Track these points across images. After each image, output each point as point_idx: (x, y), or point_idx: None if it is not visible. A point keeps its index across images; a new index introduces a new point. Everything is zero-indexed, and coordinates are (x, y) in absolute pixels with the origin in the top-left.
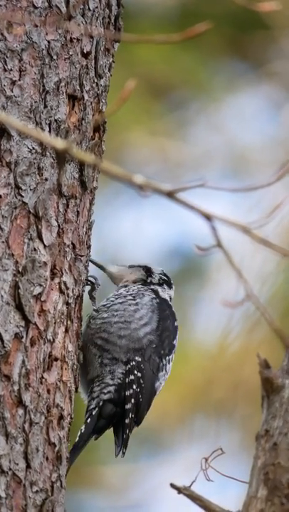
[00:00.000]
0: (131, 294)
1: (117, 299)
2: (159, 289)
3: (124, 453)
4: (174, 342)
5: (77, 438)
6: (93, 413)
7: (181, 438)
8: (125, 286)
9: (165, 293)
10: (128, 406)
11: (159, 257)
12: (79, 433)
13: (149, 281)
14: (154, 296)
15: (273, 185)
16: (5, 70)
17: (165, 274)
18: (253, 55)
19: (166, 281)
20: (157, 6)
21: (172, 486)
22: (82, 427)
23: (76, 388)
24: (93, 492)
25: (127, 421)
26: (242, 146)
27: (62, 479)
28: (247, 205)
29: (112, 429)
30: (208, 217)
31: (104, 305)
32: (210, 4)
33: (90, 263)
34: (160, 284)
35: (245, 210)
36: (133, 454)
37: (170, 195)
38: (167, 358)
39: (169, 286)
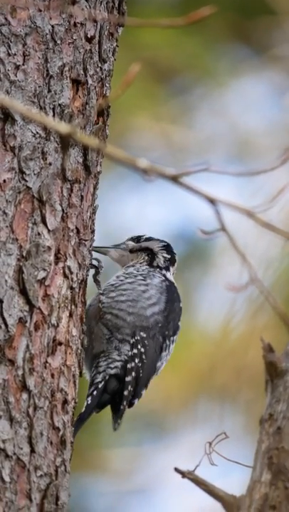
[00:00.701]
0: (142, 275)
1: (126, 278)
2: (167, 274)
3: (119, 424)
4: (179, 323)
5: (84, 409)
6: (99, 386)
7: (184, 422)
8: (133, 266)
9: (172, 275)
10: (128, 378)
11: None
12: (85, 404)
13: (155, 264)
14: (163, 278)
15: (277, 170)
16: (9, 54)
17: (168, 251)
18: (257, 39)
19: (170, 260)
20: None
21: (176, 470)
22: (89, 399)
23: (80, 372)
24: (97, 476)
25: (125, 393)
26: (246, 131)
27: (67, 464)
28: (251, 190)
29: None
30: (212, 202)
31: (112, 284)
32: None
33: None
34: (167, 268)
35: (249, 194)
36: (137, 439)
37: (174, 179)
38: (171, 338)
39: (173, 264)
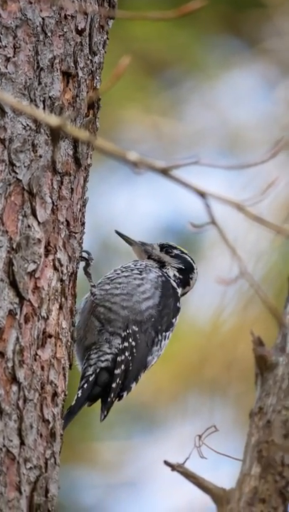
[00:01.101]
0: (138, 269)
1: (123, 272)
2: (171, 280)
3: (105, 416)
4: (174, 321)
5: (74, 402)
6: (90, 379)
7: (174, 415)
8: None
9: (174, 282)
10: (117, 371)
11: (153, 235)
12: (75, 397)
13: (166, 274)
14: (160, 274)
15: (267, 163)
16: None
17: (181, 271)
18: (248, 32)
19: (181, 280)
20: None
21: (166, 463)
22: (79, 392)
23: (70, 365)
24: (87, 469)
25: (113, 385)
26: (236, 124)
27: (56, 456)
28: (241, 183)
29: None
30: (202, 195)
31: (108, 277)
32: None
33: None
34: (177, 283)
35: (240, 187)
36: (127, 431)
37: (164, 172)
38: (164, 334)
39: (184, 286)
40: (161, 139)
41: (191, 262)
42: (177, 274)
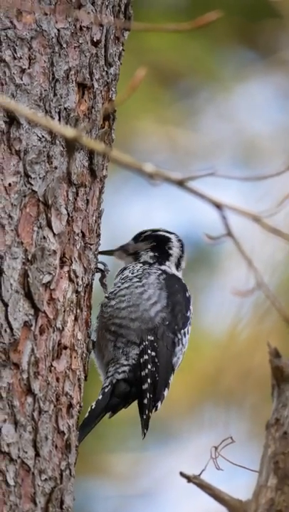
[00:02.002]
0: (136, 276)
1: (123, 283)
2: (164, 266)
3: (144, 434)
4: (188, 314)
5: (87, 413)
6: (106, 390)
7: (190, 427)
8: (126, 268)
9: (174, 267)
10: (145, 386)
11: None
12: (89, 409)
13: (142, 260)
14: (160, 272)
15: (283, 174)
16: (14, 58)
17: (154, 248)
18: (263, 43)
19: (160, 257)
20: None
21: (182, 474)
22: (93, 404)
23: (85, 377)
24: (102, 480)
25: (145, 401)
26: (252, 135)
27: (72, 467)
28: (257, 194)
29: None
30: (218, 206)
31: (112, 292)
32: None
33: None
34: (160, 263)
35: (256, 198)
36: (142, 443)
37: (180, 183)
38: (182, 331)
39: (166, 258)
40: (176, 150)
41: (163, 233)
42: (152, 253)
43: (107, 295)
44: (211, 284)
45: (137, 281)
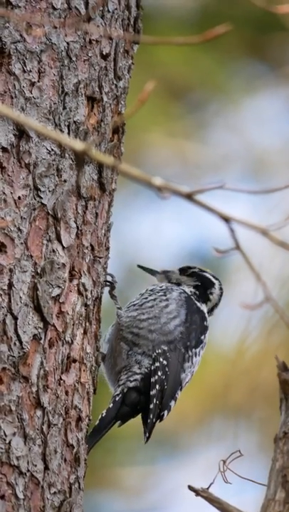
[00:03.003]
0: (162, 290)
1: (150, 295)
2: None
3: (148, 438)
4: (203, 338)
5: (98, 421)
6: (116, 399)
7: (199, 440)
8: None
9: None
10: (153, 392)
11: (178, 260)
12: (100, 417)
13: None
14: (181, 291)
15: None
16: (24, 71)
17: (197, 288)
18: (272, 56)
19: (200, 296)
20: (176, 7)
21: (190, 488)
22: (104, 412)
23: (94, 390)
24: (111, 494)
25: (151, 406)
26: (261, 148)
27: (81, 481)
28: (266, 207)
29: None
30: (226, 220)
31: (135, 303)
32: (229, 6)
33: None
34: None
35: (264, 212)
36: (151, 456)
37: (189, 197)
38: (194, 350)
39: (205, 301)
40: (186, 163)
41: (210, 277)
42: (193, 290)
43: (119, 306)
44: None
45: (162, 295)
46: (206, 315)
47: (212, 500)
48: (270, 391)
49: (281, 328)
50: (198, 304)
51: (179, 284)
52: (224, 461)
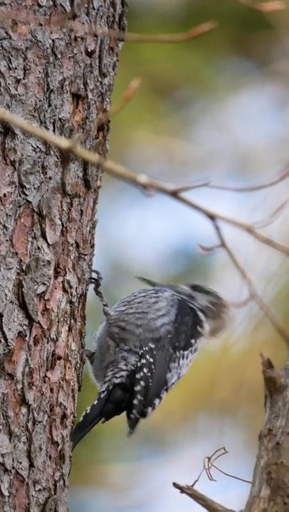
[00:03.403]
0: (154, 289)
1: (141, 293)
2: (194, 305)
3: (131, 433)
4: (193, 341)
5: (82, 418)
6: (101, 396)
7: (184, 437)
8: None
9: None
10: (137, 388)
11: (163, 257)
12: (84, 413)
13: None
14: (175, 293)
15: (277, 185)
16: (9, 68)
17: (205, 312)
18: (258, 54)
19: (211, 311)
20: (161, 5)
21: (175, 485)
22: (88, 408)
23: (79, 387)
24: (96, 491)
25: (135, 401)
26: (247, 146)
27: (66, 478)
28: (251, 205)
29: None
30: (211, 217)
31: (125, 300)
32: (214, 3)
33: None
34: (202, 311)
35: (250, 209)
36: (136, 453)
37: (174, 194)
38: (182, 352)
39: (214, 317)
40: (172, 161)
41: (224, 300)
42: (208, 305)
43: (105, 303)
44: None
45: (153, 293)
46: (204, 323)
47: (197, 497)
48: (255, 388)
49: (266, 326)
50: (196, 309)
51: (192, 298)
52: (209, 458)
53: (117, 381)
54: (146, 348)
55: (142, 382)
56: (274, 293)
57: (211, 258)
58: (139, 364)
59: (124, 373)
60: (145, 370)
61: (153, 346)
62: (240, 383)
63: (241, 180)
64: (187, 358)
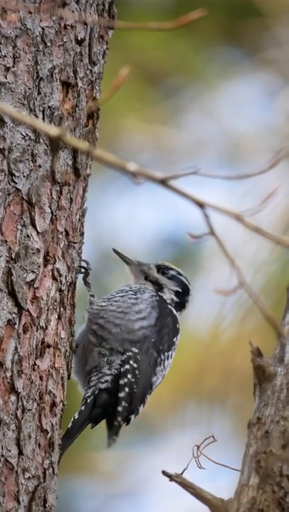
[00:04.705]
0: (132, 290)
1: (118, 293)
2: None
3: (114, 440)
4: (174, 339)
5: (70, 424)
6: (88, 401)
7: (173, 425)
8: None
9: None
10: (122, 394)
11: (153, 245)
12: (72, 419)
13: (160, 296)
14: (154, 293)
15: (267, 173)
16: None
17: (179, 294)
18: (248, 42)
19: (178, 305)
20: None
21: (164, 473)
22: (76, 414)
23: (69, 375)
24: (86, 479)
25: (119, 408)
26: (236, 134)
27: (55, 466)
28: (240, 193)
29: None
30: (200, 205)
31: (105, 298)
32: None
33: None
34: (173, 306)
35: (239, 197)
36: (126, 441)
37: (163, 182)
38: (166, 353)
39: (180, 309)
40: (161, 149)
41: (188, 284)
42: (174, 298)
43: (91, 293)
44: (194, 283)
45: (132, 294)
46: (178, 318)
47: (186, 486)
48: (244, 377)
49: (255, 314)
50: (172, 308)
51: (159, 286)
52: (198, 447)
53: (102, 386)
54: (130, 354)
55: (126, 389)
56: (263, 281)
57: (200, 246)
58: (122, 369)
59: (108, 378)
60: (129, 376)
61: (137, 351)
62: (229, 372)
63: (231, 168)
64: (171, 357)
